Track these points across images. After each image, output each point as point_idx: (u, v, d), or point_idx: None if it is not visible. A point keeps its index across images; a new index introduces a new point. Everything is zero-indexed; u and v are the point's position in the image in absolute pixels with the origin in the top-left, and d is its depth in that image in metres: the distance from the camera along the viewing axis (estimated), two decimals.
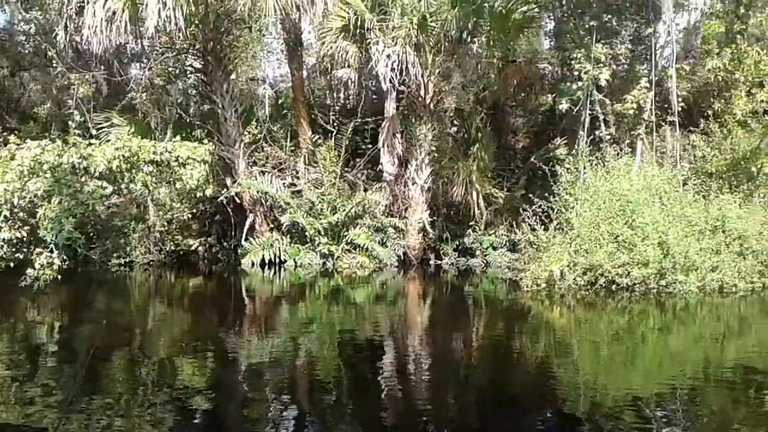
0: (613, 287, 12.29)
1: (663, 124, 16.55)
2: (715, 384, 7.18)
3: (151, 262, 16.77)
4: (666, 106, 16.47)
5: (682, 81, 16.96)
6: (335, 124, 18.47)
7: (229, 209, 17.00)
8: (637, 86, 15.97)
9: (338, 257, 16.36)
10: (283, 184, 17.27)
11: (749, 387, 6.95)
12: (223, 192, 16.50)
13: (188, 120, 18.02)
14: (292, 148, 18.44)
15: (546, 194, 14.43)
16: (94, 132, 16.52)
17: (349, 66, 17.38)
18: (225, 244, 17.82)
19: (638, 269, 12.04)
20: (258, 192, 16.70)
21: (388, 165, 17.60)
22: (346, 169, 18.05)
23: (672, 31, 16.24)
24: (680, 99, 16.03)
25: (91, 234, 16.47)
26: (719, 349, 9.10)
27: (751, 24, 15.53)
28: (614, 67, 16.46)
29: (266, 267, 16.37)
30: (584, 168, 14.73)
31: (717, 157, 15.16)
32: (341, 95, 20.53)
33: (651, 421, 5.93)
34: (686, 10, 18.50)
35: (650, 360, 8.60)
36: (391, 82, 15.86)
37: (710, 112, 15.87)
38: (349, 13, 16.17)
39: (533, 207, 14.21)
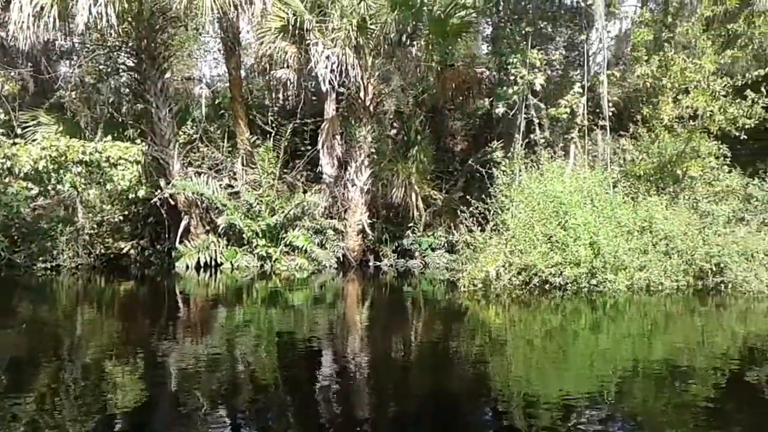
0: (547, 286, 12.59)
1: (595, 128, 17.05)
2: (644, 380, 7.39)
3: (79, 266, 16.18)
4: (598, 110, 16.99)
5: (613, 87, 17.56)
6: (274, 124, 18.28)
7: (162, 211, 16.57)
8: (571, 91, 16.44)
9: (276, 259, 16.17)
10: (220, 185, 16.97)
11: (675, 383, 7.19)
12: (156, 193, 16.08)
13: (120, 119, 17.51)
14: (230, 148, 18.15)
15: (483, 196, 14.67)
16: (19, 131, 15.85)
17: (288, 66, 17.26)
18: (158, 247, 17.34)
19: (570, 269, 12.37)
20: (193, 193, 16.34)
21: (327, 167, 17.54)
22: (285, 170, 17.89)
23: (603, 38, 16.80)
24: (611, 104, 16.57)
25: (16, 237, 15.80)
26: (647, 345, 9.39)
27: (678, 32, 16.16)
28: (549, 72, 16.89)
29: (201, 270, 16.03)
30: (520, 170, 15.04)
31: (645, 161, 15.69)
32: (280, 96, 20.38)
33: (583, 418, 6.05)
34: (618, 19, 19.16)
35: (582, 357, 8.81)
36: (330, 83, 15.82)
37: (639, 117, 16.41)
38: (288, 14, 16.03)
39: (471, 209, 14.43)
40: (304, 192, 17.22)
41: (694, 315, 11.57)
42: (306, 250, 16.26)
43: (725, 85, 15.12)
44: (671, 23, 16.83)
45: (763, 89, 14.52)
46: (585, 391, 6.94)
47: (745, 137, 14.94)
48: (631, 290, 12.43)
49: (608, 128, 16.56)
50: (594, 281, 12.46)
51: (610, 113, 16.47)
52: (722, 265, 12.73)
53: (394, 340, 9.86)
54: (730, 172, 15.44)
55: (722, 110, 14.82)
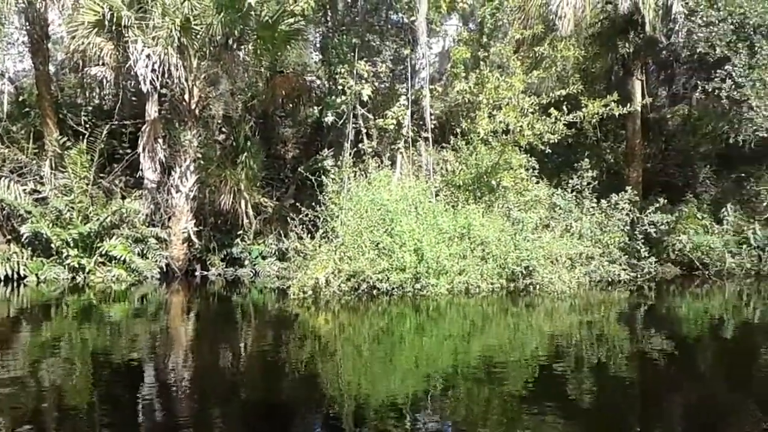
0: (375, 292, 12.94)
1: (420, 139, 17.82)
2: (464, 378, 7.80)
3: None
4: (422, 123, 17.77)
5: (435, 101, 18.47)
6: (88, 125, 17.01)
7: None
8: (397, 103, 17.03)
9: (90, 271, 15.02)
10: (24, 190, 15.42)
11: (492, 380, 7.68)
12: None
13: None
14: (36, 150, 16.57)
15: (314, 204, 14.73)
16: None
17: (104, 64, 16.10)
18: None
19: (396, 274, 12.81)
20: None
21: (149, 171, 16.62)
22: (101, 174, 16.72)
23: (426, 54, 17.59)
24: (433, 117, 17.41)
25: None
26: (466, 345, 9.94)
27: (492, 52, 17.36)
28: (376, 84, 17.37)
29: (1, 284, 14.41)
30: (349, 179, 15.31)
31: (464, 171, 16.66)
32: (95, 95, 18.99)
33: (409, 418, 6.25)
34: (440, 36, 20.22)
35: (408, 359, 9.11)
36: (152, 83, 15.02)
37: (459, 130, 17.38)
38: (103, 8, 14.98)
39: (301, 216, 14.43)
40: (123, 198, 16.20)
41: (508, 315, 12.46)
42: (125, 260, 15.27)
43: (532, 103, 16.48)
44: (486, 43, 18.06)
45: (564, 108, 16.03)
46: (412, 392, 7.19)
47: (550, 151, 16.41)
48: (452, 293, 13.13)
49: (431, 140, 17.39)
50: (418, 285, 13.00)
51: (433, 126, 17.30)
52: (531, 268, 13.88)
53: (222, 352, 9.54)
54: (537, 183, 16.82)
55: (530, 126, 16.10)
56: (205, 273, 17.03)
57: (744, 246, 16.95)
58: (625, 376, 8.06)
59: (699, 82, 16.40)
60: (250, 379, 8.01)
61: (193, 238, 16.64)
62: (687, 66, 17.92)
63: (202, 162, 16.54)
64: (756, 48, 15.16)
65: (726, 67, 15.27)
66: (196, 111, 16.42)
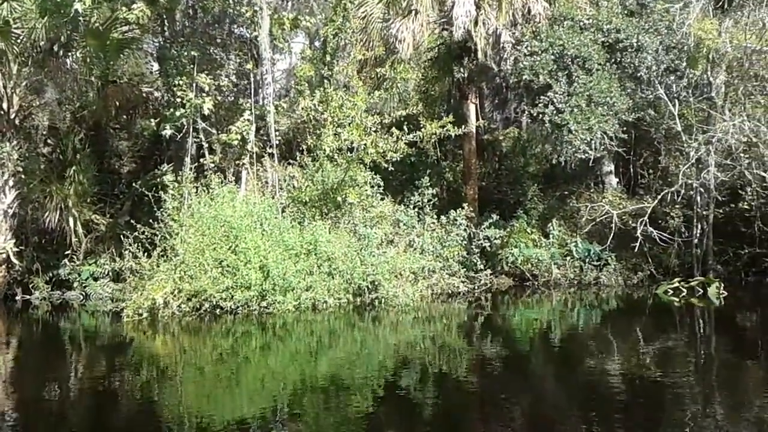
0: (218, 311, 12.52)
1: (265, 155, 17.54)
2: (312, 396, 7.75)
3: None
4: (267, 138, 17.53)
5: (282, 117, 18.31)
6: None
7: None
8: (241, 118, 16.67)
9: None
10: None
11: (339, 396, 7.70)
12: None
13: None
14: None
15: (152, 221, 13.98)
16: None
17: None
18: None
19: (241, 292, 12.49)
20: None
21: None
22: None
23: (270, 70, 17.41)
24: (279, 133, 17.24)
25: None
26: (314, 362, 9.91)
27: (336, 71, 17.58)
28: (219, 97, 16.89)
29: None
30: (189, 194, 14.72)
31: (310, 187, 16.63)
32: None
33: None
34: (285, 53, 20.14)
35: (253, 379, 8.89)
36: None
37: (305, 147, 17.34)
38: None
39: (137, 233, 13.64)
40: None
41: (355, 330, 12.60)
42: None
43: (375, 122, 16.87)
44: (329, 62, 18.24)
45: (405, 128, 16.58)
46: (259, 413, 7.01)
47: (393, 169, 16.87)
48: (299, 310, 13.03)
49: (277, 156, 17.19)
50: (264, 303, 12.76)
51: (279, 142, 17.12)
52: (376, 282, 14.13)
53: (46, 383, 8.67)
54: (382, 199, 17.18)
55: (374, 144, 16.46)
56: (28, 297, 15.55)
57: (568, 258, 18.44)
58: (466, 384, 8.44)
59: (526, 107, 17.73)
60: (79, 412, 7.39)
61: (13, 259, 15.17)
62: (516, 92, 19.24)
63: (23, 176, 15.14)
64: (573, 77, 16.64)
65: (548, 94, 16.58)
66: (16, 121, 15.06)
